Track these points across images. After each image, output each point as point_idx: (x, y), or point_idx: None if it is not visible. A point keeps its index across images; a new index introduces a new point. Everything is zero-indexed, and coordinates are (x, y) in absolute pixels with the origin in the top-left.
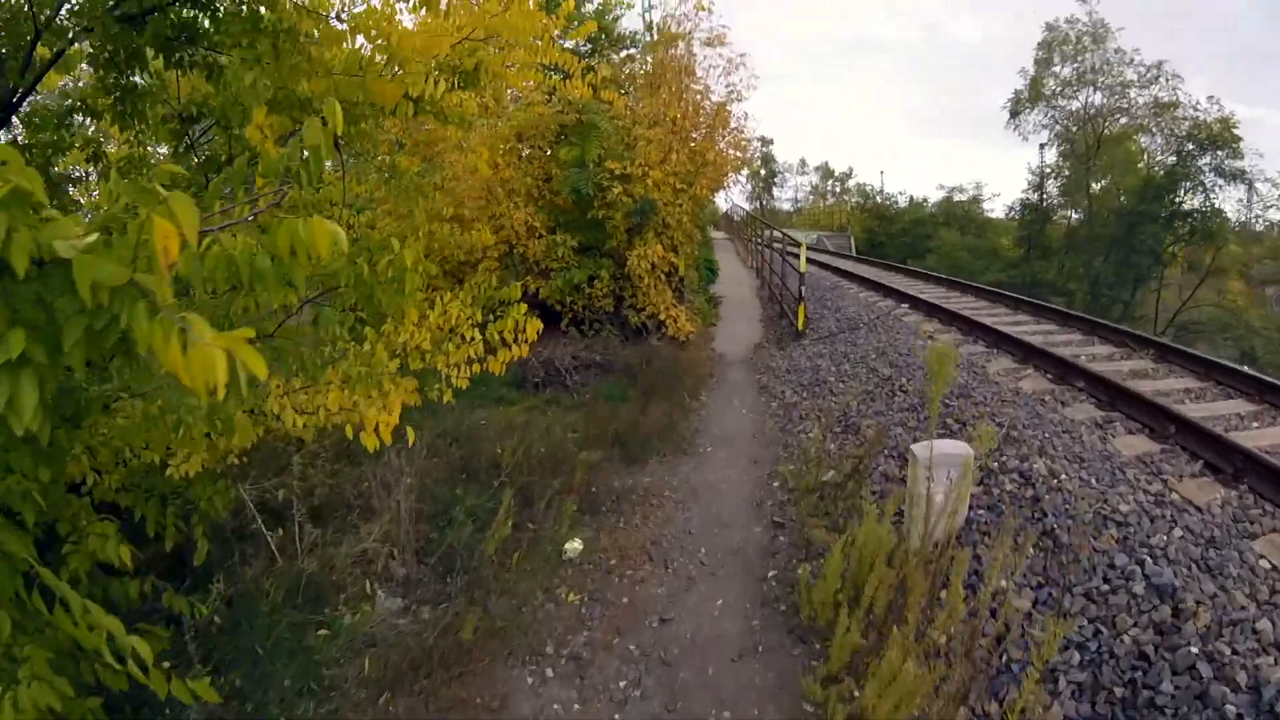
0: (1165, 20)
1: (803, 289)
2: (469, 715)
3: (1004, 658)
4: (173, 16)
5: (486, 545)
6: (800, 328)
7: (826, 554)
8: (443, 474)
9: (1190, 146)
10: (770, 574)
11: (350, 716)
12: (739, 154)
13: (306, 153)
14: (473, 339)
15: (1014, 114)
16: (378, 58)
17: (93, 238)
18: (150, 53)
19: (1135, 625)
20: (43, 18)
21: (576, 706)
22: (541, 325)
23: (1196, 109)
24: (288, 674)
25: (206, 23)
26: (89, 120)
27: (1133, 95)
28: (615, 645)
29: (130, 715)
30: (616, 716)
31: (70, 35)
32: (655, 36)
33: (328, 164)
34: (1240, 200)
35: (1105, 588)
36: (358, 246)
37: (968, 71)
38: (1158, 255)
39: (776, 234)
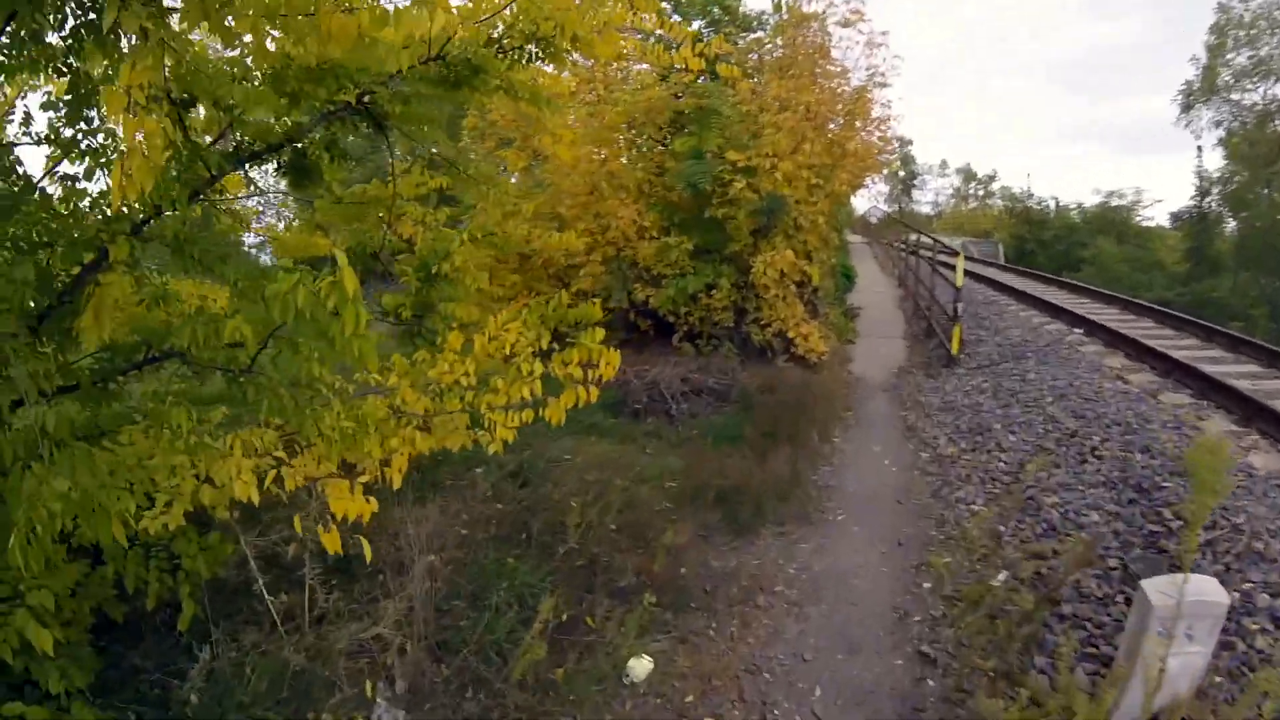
0: None
1: (959, 306)
2: None
3: None
4: None
5: (513, 669)
6: (954, 352)
7: None
8: (500, 528)
9: None
10: None
11: None
12: (883, 145)
13: None
14: (530, 374)
15: (1185, 108)
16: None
17: None
18: None
19: None
20: None
21: None
22: (619, 359)
23: None
24: None
25: None
26: None
27: None
28: None
29: None
30: None
31: None
32: (785, 16)
33: None
34: None
35: None
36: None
37: (1113, 75)
38: None
39: (923, 239)
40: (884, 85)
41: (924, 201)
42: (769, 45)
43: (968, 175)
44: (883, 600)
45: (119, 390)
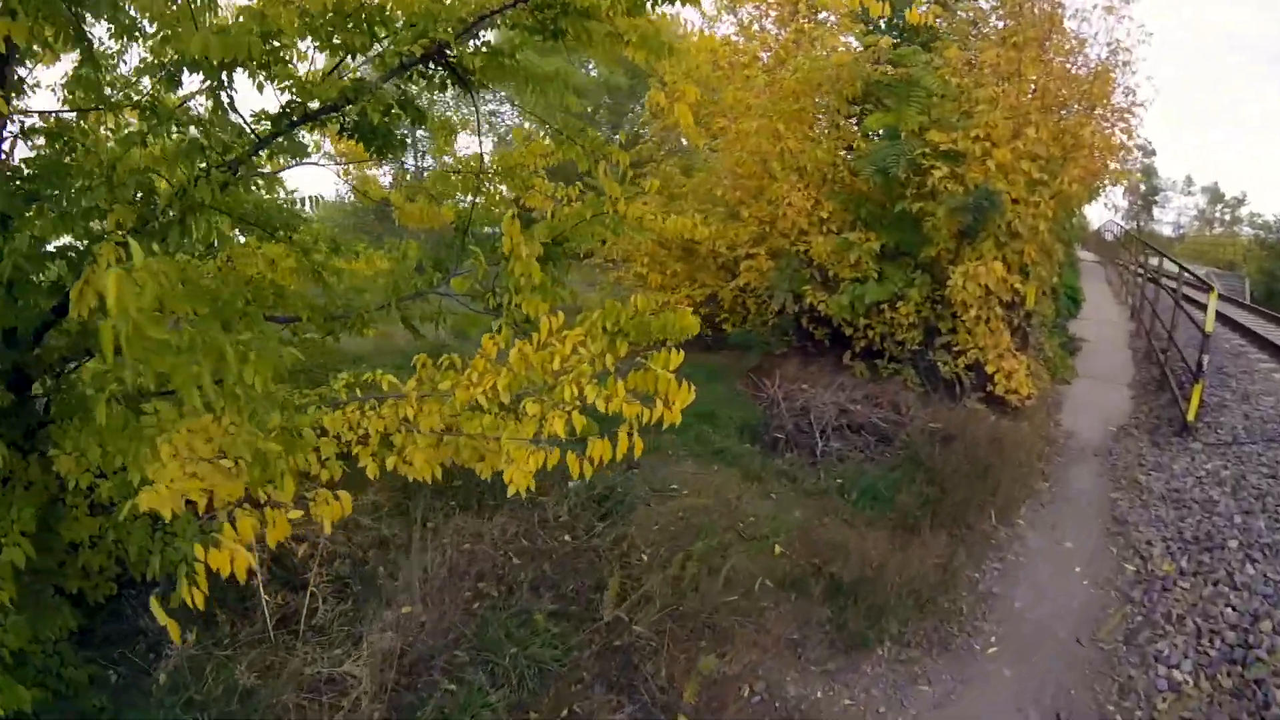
0: None
1: (1204, 360)
2: None
3: None
4: None
5: None
6: (1190, 418)
7: None
8: (554, 568)
9: None
10: None
11: None
12: (1125, 142)
13: None
14: (575, 401)
15: None
16: None
17: None
18: None
19: None
20: None
21: None
22: (693, 395)
23: None
24: None
25: None
26: None
27: None
28: None
29: None
30: None
31: None
32: None
33: None
34: None
35: None
36: None
37: None
38: None
39: (1166, 264)
40: (1128, 64)
41: (1165, 221)
42: (991, 13)
43: (1214, 196)
44: None
45: None
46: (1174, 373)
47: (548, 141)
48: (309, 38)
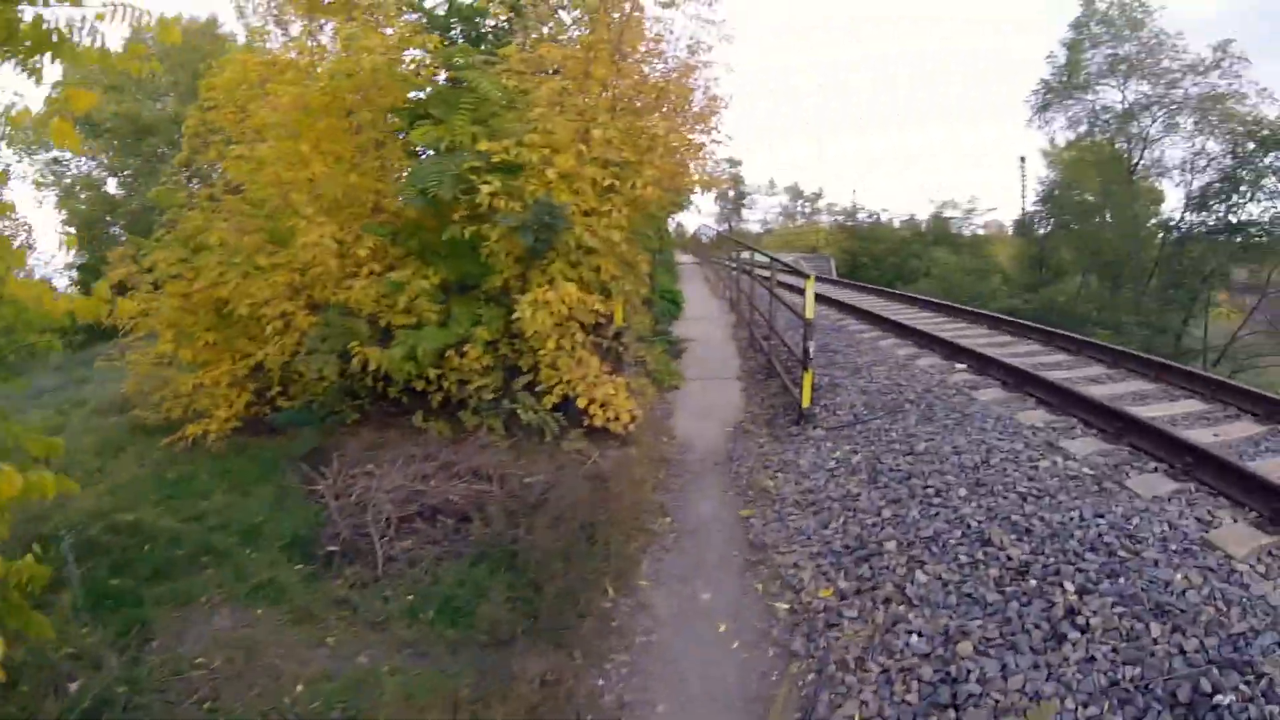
0: None
1: (810, 347)
2: None
3: None
4: None
5: None
6: (806, 404)
7: None
8: None
9: (1250, 145)
10: None
11: None
12: (707, 139)
13: None
14: None
15: (1042, 108)
16: None
17: None
18: None
19: None
20: None
21: None
22: None
23: (1259, 96)
24: None
25: None
26: None
27: (1187, 85)
28: None
29: None
30: None
31: None
32: None
33: None
34: None
35: None
36: None
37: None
38: (1205, 275)
39: (757, 257)
40: (707, 65)
41: (753, 220)
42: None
43: (794, 193)
44: None
45: None
46: (780, 359)
47: None
48: None
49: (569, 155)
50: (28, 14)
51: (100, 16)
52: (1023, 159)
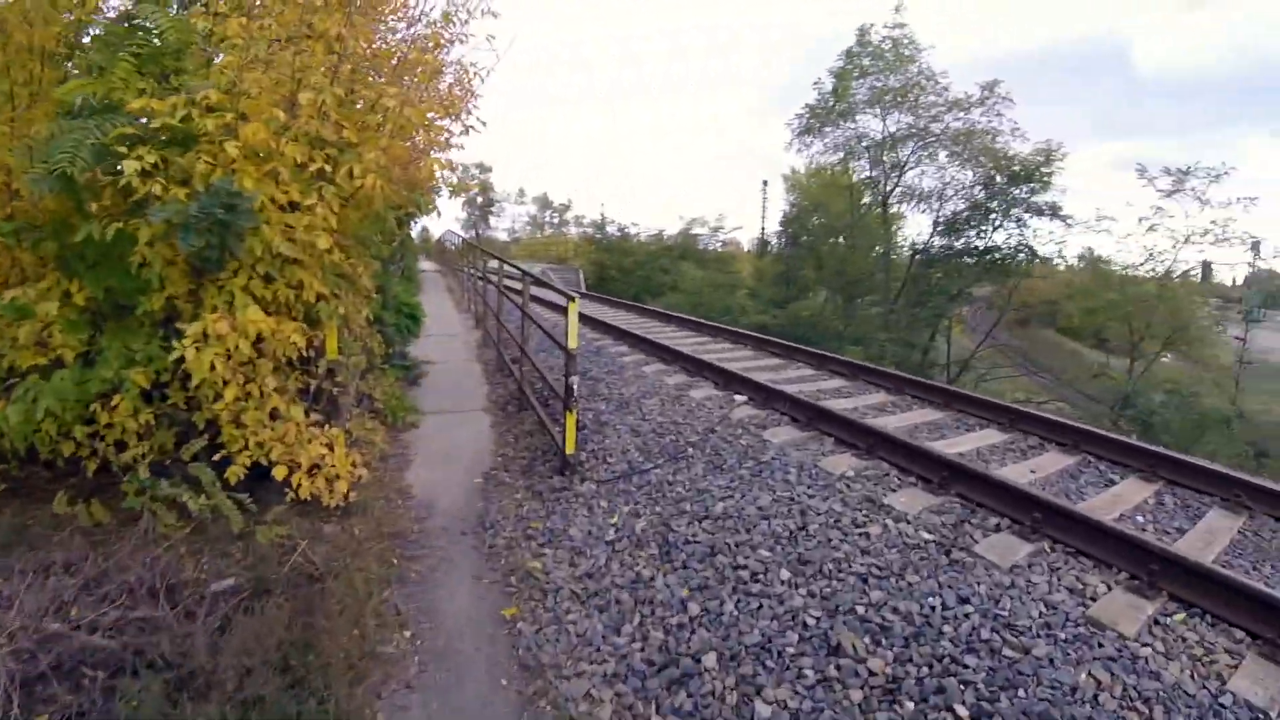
0: None
1: (574, 383)
2: None
3: None
4: None
5: None
6: (570, 450)
7: None
8: None
9: (999, 179)
10: None
11: None
12: (452, 124)
13: None
14: None
15: (805, 131)
16: None
17: None
18: None
19: None
20: None
21: None
22: None
23: (1012, 134)
24: None
25: None
26: None
27: (947, 120)
28: None
29: None
30: None
31: None
32: None
33: None
34: (1052, 234)
35: None
36: None
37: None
38: (952, 295)
39: (508, 268)
40: (464, 40)
41: (500, 228)
42: None
43: (543, 203)
44: None
45: None
46: (534, 388)
47: None
48: None
49: (262, 125)
50: None
51: None
52: (765, 183)
